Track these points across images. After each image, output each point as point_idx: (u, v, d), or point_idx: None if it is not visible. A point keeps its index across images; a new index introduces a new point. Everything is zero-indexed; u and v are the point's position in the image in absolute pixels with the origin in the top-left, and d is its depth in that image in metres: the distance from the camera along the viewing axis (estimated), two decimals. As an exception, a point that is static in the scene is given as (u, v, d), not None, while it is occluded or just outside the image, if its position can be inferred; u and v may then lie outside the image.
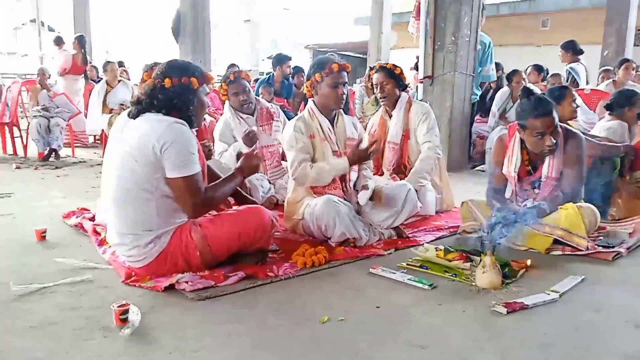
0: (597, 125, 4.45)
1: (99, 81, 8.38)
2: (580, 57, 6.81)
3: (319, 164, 3.16)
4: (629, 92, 4.36)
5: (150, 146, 2.38)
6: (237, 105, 4.12)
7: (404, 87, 4.04)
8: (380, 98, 4.04)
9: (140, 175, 2.41)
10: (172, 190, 2.45)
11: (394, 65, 4.02)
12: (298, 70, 7.80)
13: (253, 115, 4.16)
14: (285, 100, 7.00)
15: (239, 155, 2.82)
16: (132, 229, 2.47)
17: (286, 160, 4.12)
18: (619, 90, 4.62)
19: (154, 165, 2.40)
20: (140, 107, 2.51)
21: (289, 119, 4.42)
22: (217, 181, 2.67)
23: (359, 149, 3.14)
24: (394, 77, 3.95)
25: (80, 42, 8.42)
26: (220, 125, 4.16)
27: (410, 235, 3.37)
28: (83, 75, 8.55)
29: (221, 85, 4.17)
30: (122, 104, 6.55)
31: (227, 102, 4.20)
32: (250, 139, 3.90)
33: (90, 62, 9.62)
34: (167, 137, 2.38)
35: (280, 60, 7.18)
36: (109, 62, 7.39)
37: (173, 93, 2.48)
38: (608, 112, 4.31)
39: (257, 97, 4.30)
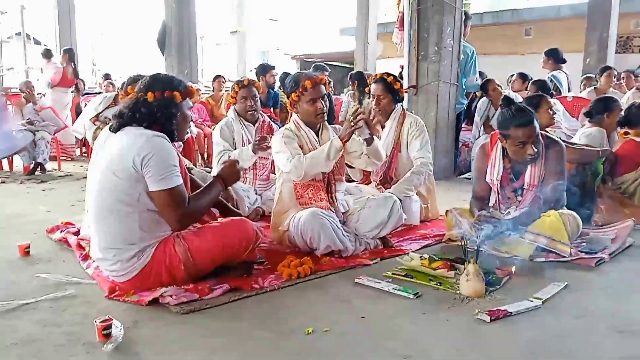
0: (577, 132, 4.51)
1: (85, 95, 8.33)
2: (562, 65, 6.90)
3: (310, 153, 3.14)
4: (607, 99, 4.43)
5: (130, 159, 2.38)
6: (242, 111, 4.17)
7: (399, 100, 4.04)
8: (377, 110, 4.03)
9: (121, 189, 2.41)
10: (155, 203, 2.44)
11: (394, 78, 3.95)
12: (287, 77, 7.80)
13: (254, 125, 4.20)
14: (272, 110, 7.02)
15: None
16: (114, 244, 2.46)
17: (275, 173, 4.15)
18: (597, 98, 4.70)
19: (135, 178, 2.39)
20: (122, 120, 2.51)
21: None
22: (197, 191, 2.65)
23: (345, 123, 3.12)
24: (392, 91, 3.94)
25: (70, 55, 8.38)
26: (222, 125, 4.20)
27: (395, 244, 3.38)
28: (74, 87, 8.49)
29: (233, 88, 4.21)
30: (106, 117, 6.50)
31: (232, 107, 4.23)
32: (262, 144, 3.91)
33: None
34: (147, 151, 2.38)
35: (263, 69, 7.19)
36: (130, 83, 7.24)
37: (156, 107, 2.49)
38: (587, 119, 4.38)
39: (261, 112, 4.33)
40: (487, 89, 6.19)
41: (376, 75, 4.07)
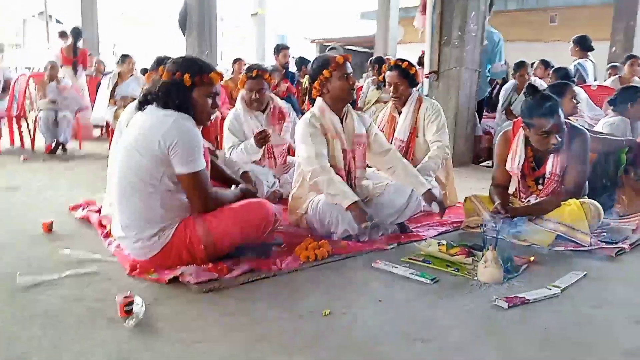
0: (600, 121, 4.45)
1: (105, 74, 8.38)
2: (589, 53, 6.78)
3: (336, 179, 3.07)
4: (632, 89, 4.36)
5: (156, 141, 2.40)
6: (247, 100, 4.13)
7: (415, 85, 4.01)
8: (393, 97, 4.01)
9: (144, 169, 2.44)
10: (182, 186, 2.48)
11: (409, 64, 3.92)
12: (303, 62, 7.83)
13: (264, 113, 4.17)
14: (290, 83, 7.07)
15: (242, 176, 2.92)
16: (136, 223, 2.49)
17: (292, 156, 4.14)
18: (622, 87, 4.62)
19: (159, 159, 2.42)
20: (146, 99, 2.55)
21: (293, 106, 4.41)
22: (224, 190, 2.73)
23: (364, 210, 2.97)
24: (408, 77, 3.91)
25: (72, 33, 8.40)
26: (231, 118, 4.18)
27: (413, 230, 3.38)
28: (72, 66, 8.35)
29: (242, 77, 4.17)
30: (125, 97, 6.55)
31: (240, 94, 4.21)
32: (262, 138, 3.91)
33: (90, 54, 9.58)
34: (174, 134, 2.40)
35: (277, 48, 7.40)
36: (127, 55, 7.38)
37: (168, 87, 2.49)
38: (611, 107, 4.32)
39: (271, 95, 4.30)
40: (517, 71, 6.16)
41: (390, 62, 4.05)
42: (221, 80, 2.64)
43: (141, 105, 2.57)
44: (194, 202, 2.53)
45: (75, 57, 8.27)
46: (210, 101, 2.58)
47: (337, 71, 3.17)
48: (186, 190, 2.50)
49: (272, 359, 1.85)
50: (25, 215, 3.64)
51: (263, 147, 3.97)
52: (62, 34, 8.77)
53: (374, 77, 7.13)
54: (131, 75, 7.05)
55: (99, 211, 3.55)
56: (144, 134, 2.45)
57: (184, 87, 2.49)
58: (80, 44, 8.46)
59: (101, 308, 2.20)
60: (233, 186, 2.87)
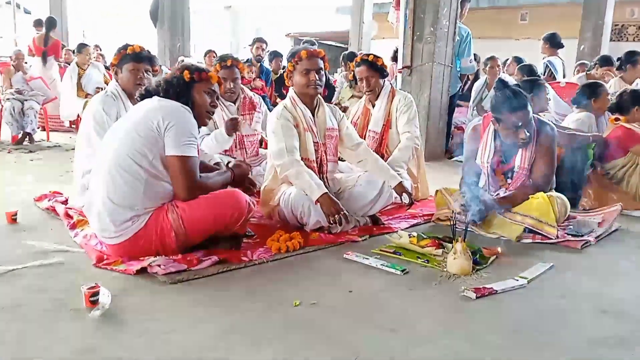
0: (566, 117, 4.53)
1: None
2: (558, 51, 6.89)
3: (305, 172, 3.06)
4: (593, 85, 4.45)
5: (155, 120, 2.47)
6: (220, 90, 4.06)
7: (386, 76, 4.04)
8: (366, 91, 4.02)
9: (138, 148, 2.46)
10: (169, 169, 2.50)
11: (375, 56, 3.96)
12: (276, 55, 7.80)
13: (235, 104, 4.12)
14: (264, 84, 7.03)
15: (228, 164, 2.97)
16: (114, 201, 2.46)
17: (265, 148, 4.11)
18: (583, 84, 4.70)
19: (154, 139, 2.46)
20: (148, 92, 2.67)
21: (267, 106, 4.40)
22: (210, 173, 2.76)
23: (333, 202, 2.99)
24: (377, 69, 3.94)
25: (46, 22, 8.20)
26: None
27: (385, 222, 3.39)
28: (41, 56, 8.05)
29: (215, 66, 4.10)
30: (98, 87, 6.46)
31: None
32: (232, 125, 3.86)
33: (65, 46, 9.40)
34: (174, 116, 2.50)
35: (253, 41, 7.47)
36: (84, 44, 7.35)
37: (169, 80, 2.64)
38: (575, 105, 4.41)
39: (242, 87, 4.23)
40: (487, 64, 6.26)
41: (356, 59, 4.08)
42: (218, 82, 2.79)
43: (142, 98, 2.67)
44: (177, 188, 2.53)
45: (45, 47, 8.04)
46: (208, 99, 2.70)
47: (299, 65, 3.18)
48: (172, 174, 2.51)
49: (241, 350, 1.84)
50: (-12, 206, 3.55)
51: (233, 135, 3.91)
52: (38, 23, 8.55)
53: (347, 73, 7.12)
54: (89, 64, 7.23)
55: (65, 202, 3.48)
56: (144, 115, 2.52)
57: (184, 80, 2.63)
58: (53, 34, 8.24)
59: (67, 299, 2.15)
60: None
